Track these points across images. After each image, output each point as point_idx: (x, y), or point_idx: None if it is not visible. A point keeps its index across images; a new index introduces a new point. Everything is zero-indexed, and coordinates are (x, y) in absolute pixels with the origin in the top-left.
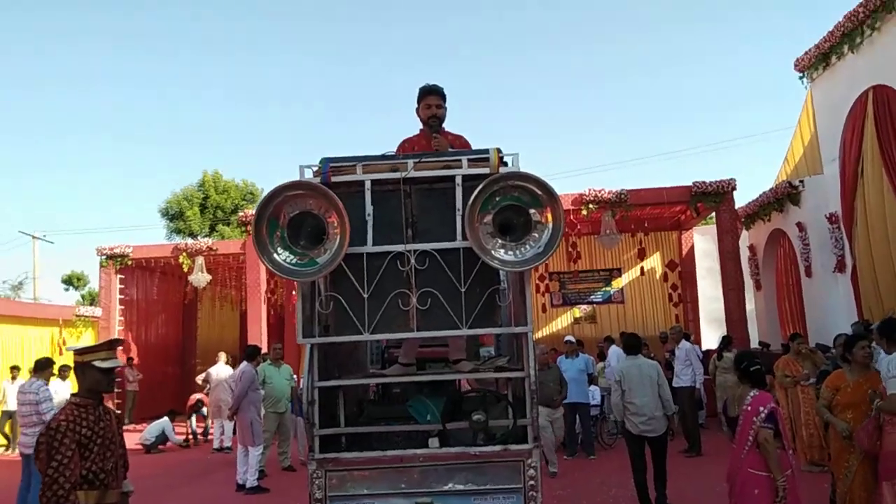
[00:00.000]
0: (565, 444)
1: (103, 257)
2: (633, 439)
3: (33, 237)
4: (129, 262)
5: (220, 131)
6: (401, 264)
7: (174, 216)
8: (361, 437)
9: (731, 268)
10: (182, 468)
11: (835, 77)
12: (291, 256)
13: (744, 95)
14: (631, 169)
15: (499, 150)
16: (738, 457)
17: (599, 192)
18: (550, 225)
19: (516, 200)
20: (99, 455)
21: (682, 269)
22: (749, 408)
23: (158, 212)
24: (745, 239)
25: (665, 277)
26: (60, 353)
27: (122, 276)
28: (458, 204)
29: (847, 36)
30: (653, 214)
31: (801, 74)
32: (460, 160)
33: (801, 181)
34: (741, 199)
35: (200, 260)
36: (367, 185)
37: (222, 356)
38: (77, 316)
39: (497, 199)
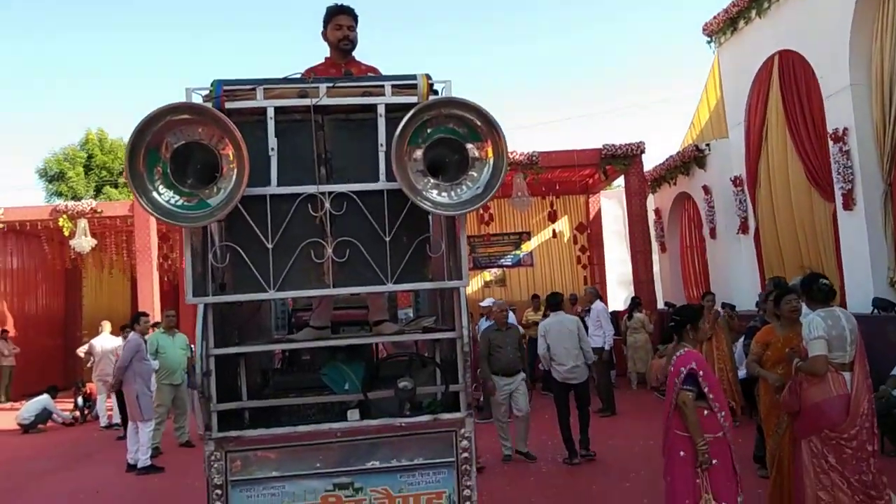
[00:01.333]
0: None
1: None
2: (559, 387)
3: None
4: (1, 226)
5: (103, 82)
6: (313, 209)
7: (54, 177)
8: (268, 412)
9: (639, 230)
10: (66, 449)
11: (742, 42)
12: (176, 197)
13: (658, 59)
14: (543, 133)
15: (428, 77)
16: (666, 417)
17: (511, 153)
18: (491, 161)
19: (451, 133)
20: None
21: (590, 232)
22: (672, 368)
23: (36, 172)
24: (650, 203)
25: (575, 240)
26: None
27: None
28: (382, 138)
29: (755, 1)
30: (563, 177)
31: (708, 39)
32: (382, 86)
33: (708, 145)
34: (649, 163)
35: (83, 223)
36: (270, 112)
37: (106, 325)
38: None
39: (429, 130)
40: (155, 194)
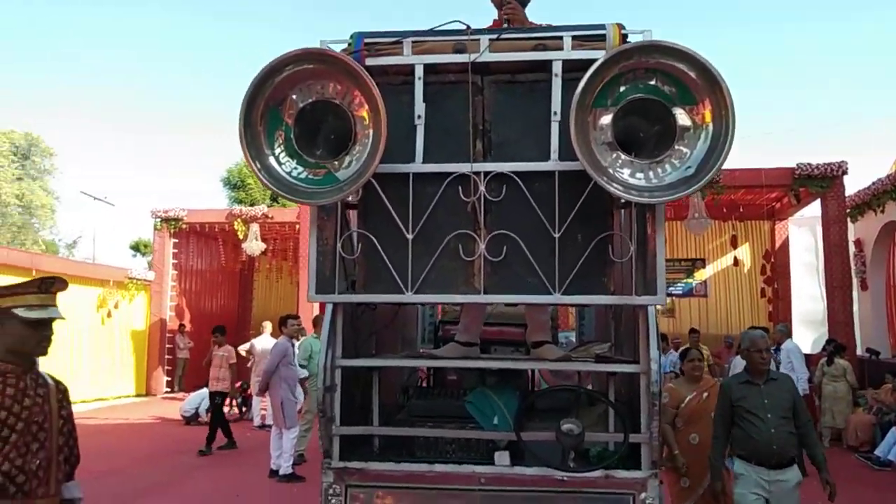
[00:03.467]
0: None
1: (157, 220)
2: None
3: (94, 198)
4: (184, 227)
5: None
6: (464, 193)
7: (236, 186)
8: (401, 443)
9: (838, 263)
10: (217, 445)
11: None
12: (299, 168)
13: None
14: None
15: (620, 27)
16: None
17: None
18: (709, 130)
19: (652, 93)
20: (17, 447)
21: (775, 263)
22: None
23: (220, 181)
24: (850, 232)
25: (763, 270)
26: (110, 315)
27: (177, 241)
28: (557, 104)
29: None
30: (747, 199)
31: None
32: (560, 38)
33: None
34: (851, 187)
35: (255, 227)
36: (419, 72)
37: (267, 326)
38: (129, 278)
39: (621, 89)
40: (272, 161)
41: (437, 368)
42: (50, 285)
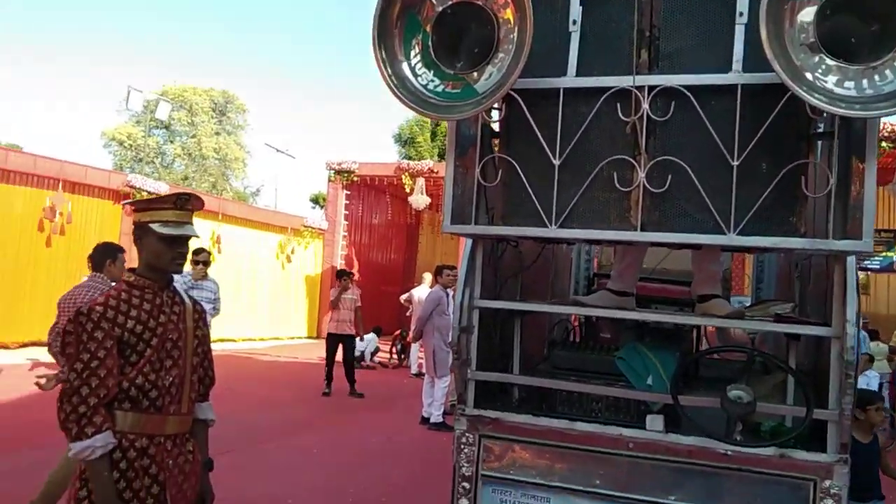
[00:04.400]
0: None
1: (331, 171)
2: None
3: (276, 150)
4: (355, 179)
5: None
6: (624, 112)
7: (406, 142)
8: (541, 396)
9: None
10: (378, 390)
11: None
12: (436, 81)
13: None
14: None
15: None
16: None
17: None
18: None
19: None
20: (151, 361)
21: None
22: None
23: (392, 137)
24: None
25: None
26: (289, 260)
27: (348, 192)
28: (743, 1)
29: None
30: None
31: None
32: None
33: None
34: None
35: (421, 181)
36: None
37: (427, 277)
38: (304, 226)
39: None
40: (407, 71)
41: (587, 320)
42: (185, 202)
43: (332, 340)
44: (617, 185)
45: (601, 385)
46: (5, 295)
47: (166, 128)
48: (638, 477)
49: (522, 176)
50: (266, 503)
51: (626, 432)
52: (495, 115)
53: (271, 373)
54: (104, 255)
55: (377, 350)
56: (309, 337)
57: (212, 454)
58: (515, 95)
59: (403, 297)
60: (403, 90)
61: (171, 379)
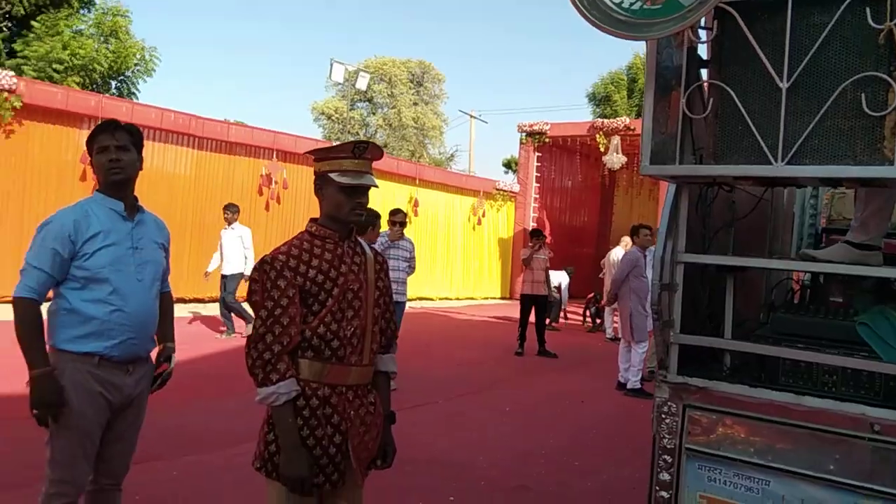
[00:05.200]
0: None
1: (523, 134)
2: None
3: (470, 116)
4: (547, 140)
5: None
6: (875, 17)
7: (601, 101)
8: (759, 365)
9: None
10: (568, 352)
11: None
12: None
13: None
14: None
15: None
16: None
17: None
18: None
19: None
20: (332, 311)
21: None
22: None
23: (586, 97)
24: None
25: None
26: (481, 223)
27: (540, 155)
28: None
29: None
30: None
31: None
32: None
33: None
34: None
35: (616, 140)
36: None
37: (625, 240)
38: (497, 189)
39: None
40: None
41: (813, 280)
42: (363, 150)
43: (526, 301)
44: (865, 110)
45: (839, 355)
46: None
47: (369, 101)
48: (886, 466)
49: (739, 104)
50: (455, 458)
51: (871, 412)
52: (703, 36)
53: (465, 331)
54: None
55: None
56: (501, 298)
57: (406, 408)
58: (729, 8)
59: (603, 260)
60: (594, 11)
61: (352, 329)
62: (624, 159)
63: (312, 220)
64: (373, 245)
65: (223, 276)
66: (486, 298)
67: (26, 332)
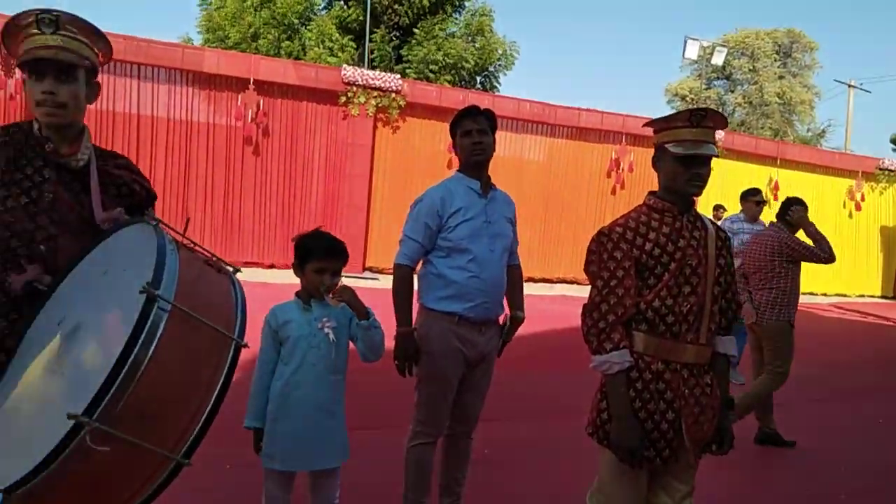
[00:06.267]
0: None
1: None
2: None
3: (848, 86)
4: None
5: None
6: None
7: None
8: None
9: None
10: None
11: None
12: None
13: None
14: None
15: None
16: None
17: None
18: None
19: None
20: (668, 286)
21: None
22: None
23: None
24: None
25: None
26: (858, 209)
27: None
28: None
29: None
30: None
31: None
32: None
33: None
34: None
35: None
36: None
37: None
38: (879, 169)
39: None
40: None
41: None
42: (701, 118)
43: None
44: None
45: None
46: (581, 239)
47: (727, 78)
48: None
49: None
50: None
51: None
52: None
53: (833, 329)
54: None
55: None
56: (883, 296)
57: None
58: None
59: None
60: None
61: (688, 306)
62: None
63: (651, 193)
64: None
65: None
66: (862, 295)
67: (399, 293)
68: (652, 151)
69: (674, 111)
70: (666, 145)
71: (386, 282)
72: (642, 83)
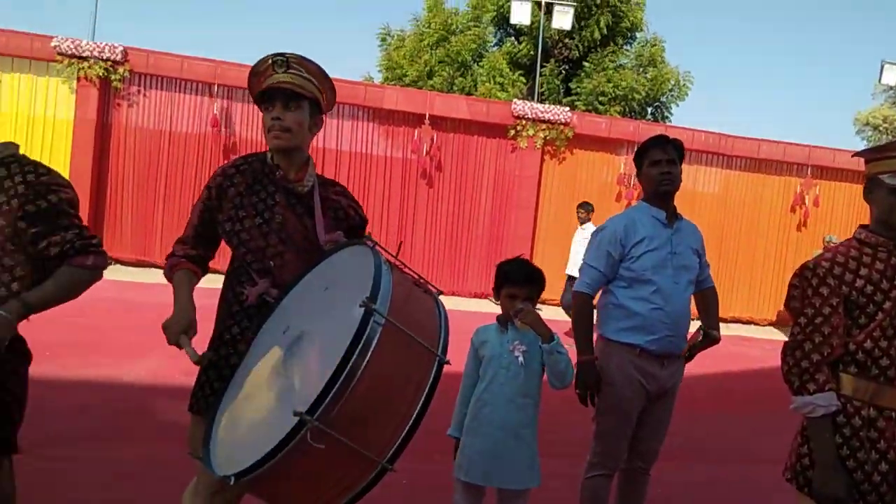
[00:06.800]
0: None
1: None
2: None
3: None
4: None
5: None
6: None
7: None
8: None
9: None
10: None
11: None
12: None
13: None
14: None
15: None
16: None
17: None
18: None
19: None
20: (883, 327)
21: None
22: None
23: None
24: None
25: None
26: None
27: None
28: None
29: None
30: None
31: None
32: None
33: None
34: None
35: None
36: None
37: None
38: None
39: None
40: None
41: None
42: None
43: None
44: None
45: None
46: (758, 277)
47: None
48: None
49: None
50: None
51: None
52: None
53: None
54: None
55: None
56: None
57: None
58: None
59: None
60: None
61: None
62: None
63: (862, 227)
64: None
65: (569, 277)
66: None
67: (580, 322)
68: (842, 184)
69: (874, 143)
70: (880, 176)
71: (550, 312)
72: (827, 112)
